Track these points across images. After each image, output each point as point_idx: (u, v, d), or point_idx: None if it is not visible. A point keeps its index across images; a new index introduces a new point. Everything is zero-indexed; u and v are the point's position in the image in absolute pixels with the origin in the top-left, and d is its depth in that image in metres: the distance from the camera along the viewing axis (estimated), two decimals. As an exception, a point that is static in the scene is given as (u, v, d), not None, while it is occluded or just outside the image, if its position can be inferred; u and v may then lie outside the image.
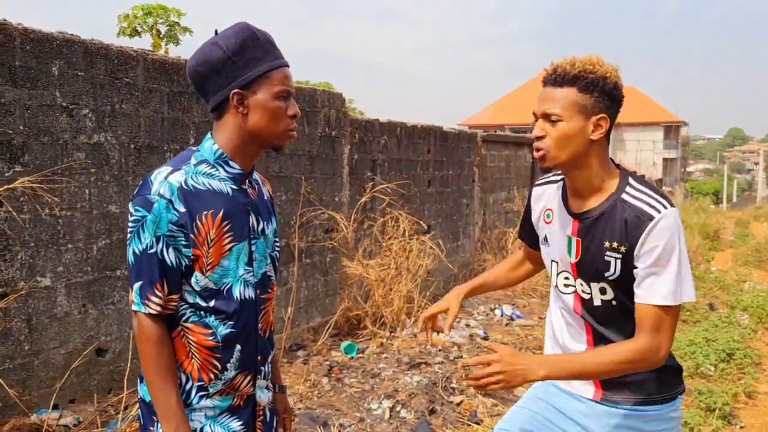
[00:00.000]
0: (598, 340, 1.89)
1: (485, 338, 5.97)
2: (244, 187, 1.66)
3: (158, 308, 1.55)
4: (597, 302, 1.84)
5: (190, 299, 1.60)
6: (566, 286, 1.91)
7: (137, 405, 1.70)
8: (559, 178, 1.97)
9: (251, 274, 1.67)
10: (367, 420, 4.07)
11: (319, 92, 5.97)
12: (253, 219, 1.67)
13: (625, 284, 1.77)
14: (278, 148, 1.67)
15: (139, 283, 1.55)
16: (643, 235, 1.68)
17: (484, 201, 9.56)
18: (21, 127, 3.39)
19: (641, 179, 1.81)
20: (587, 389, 1.94)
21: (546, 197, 1.99)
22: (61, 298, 3.64)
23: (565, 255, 1.87)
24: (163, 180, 1.54)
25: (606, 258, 1.76)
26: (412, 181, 7.42)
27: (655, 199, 1.72)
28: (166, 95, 4.22)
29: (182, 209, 1.53)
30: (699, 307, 7.37)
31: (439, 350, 5.48)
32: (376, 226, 6.37)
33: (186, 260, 1.56)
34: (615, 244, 1.74)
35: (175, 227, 1.53)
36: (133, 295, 1.56)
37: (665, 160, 46.35)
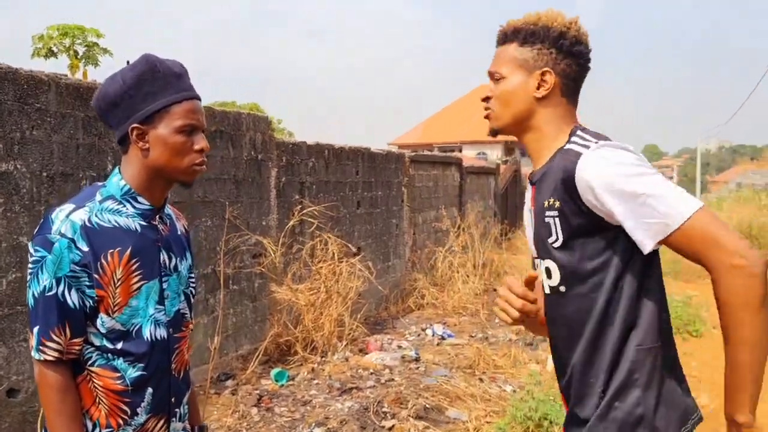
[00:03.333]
0: (554, 351, 1.60)
1: (416, 359, 5.98)
2: (154, 223, 1.61)
3: (56, 354, 1.47)
4: (546, 289, 1.57)
5: (96, 342, 1.52)
6: (540, 275, 1.61)
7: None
8: None
9: (162, 312, 1.60)
10: (298, 450, 3.98)
11: (243, 115, 5.89)
12: (164, 256, 1.62)
13: (569, 257, 1.47)
14: (185, 184, 1.61)
15: (37, 327, 1.47)
16: (578, 181, 1.40)
17: (414, 221, 9.63)
18: None
19: (593, 132, 1.52)
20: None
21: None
22: (-34, 337, 3.41)
23: (530, 233, 1.64)
24: (65, 218, 1.48)
25: (546, 220, 1.51)
26: (341, 202, 7.40)
27: (582, 143, 1.47)
28: (81, 120, 4.06)
29: (85, 248, 1.47)
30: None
31: (371, 373, 5.45)
32: (305, 250, 6.31)
33: (90, 301, 1.49)
34: (551, 200, 1.49)
35: (78, 267, 1.46)
36: (33, 341, 1.49)
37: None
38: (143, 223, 1.58)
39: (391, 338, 6.82)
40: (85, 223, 1.48)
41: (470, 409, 4.49)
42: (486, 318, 7.78)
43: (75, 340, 1.50)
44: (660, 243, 1.37)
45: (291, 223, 6.20)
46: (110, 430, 1.54)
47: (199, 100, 1.61)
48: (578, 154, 1.43)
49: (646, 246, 1.37)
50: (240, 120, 5.76)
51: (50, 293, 1.46)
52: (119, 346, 1.53)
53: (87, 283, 1.48)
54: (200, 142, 1.58)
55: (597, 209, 1.40)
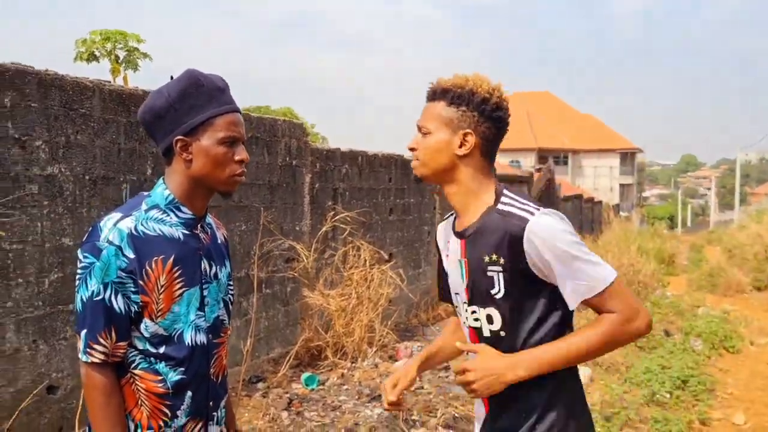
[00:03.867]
0: None
1: (446, 367, 5.97)
2: (196, 232, 1.67)
3: (102, 356, 1.54)
4: (486, 332, 1.74)
5: (140, 346, 1.59)
6: (466, 318, 1.80)
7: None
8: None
9: (203, 318, 1.66)
10: (327, 455, 4.01)
11: (279, 122, 5.97)
12: (205, 264, 1.67)
13: (513, 306, 1.67)
14: (225, 194, 1.67)
15: (84, 331, 1.54)
16: (525, 243, 1.60)
17: (446, 228, 9.61)
18: (-30, 160, 3.30)
19: (516, 190, 1.76)
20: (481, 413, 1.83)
21: (445, 231, 1.91)
22: (10, 334, 3.53)
23: (460, 282, 1.79)
24: (113, 227, 1.54)
25: (489, 273, 1.68)
26: (373, 209, 7.44)
27: (524, 208, 1.65)
28: (123, 126, 4.17)
29: (131, 255, 1.53)
30: (655, 333, 7.51)
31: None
32: (338, 256, 6.36)
33: (135, 306, 1.55)
34: (494, 257, 1.67)
35: (124, 273, 1.52)
36: (80, 344, 1.55)
37: (622, 185, 47.47)
38: (186, 231, 1.64)
39: (420, 345, 6.82)
40: (131, 231, 1.54)
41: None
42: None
43: (120, 344, 1.56)
44: (583, 302, 1.64)
45: (324, 228, 6.25)
46: (151, 431, 1.60)
47: (240, 113, 1.67)
48: (524, 219, 1.63)
49: (572, 303, 1.65)
50: (276, 126, 5.84)
51: (98, 298, 1.52)
52: (161, 350, 1.59)
53: (132, 289, 1.54)
54: (241, 153, 1.63)
55: (537, 268, 1.63)
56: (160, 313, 1.57)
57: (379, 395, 5.04)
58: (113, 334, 1.54)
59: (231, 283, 1.81)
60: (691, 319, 8.75)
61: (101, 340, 1.53)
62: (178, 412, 1.62)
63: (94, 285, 1.52)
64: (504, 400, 1.71)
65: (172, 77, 1.63)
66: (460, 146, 1.72)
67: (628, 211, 35.65)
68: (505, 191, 1.74)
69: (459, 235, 1.78)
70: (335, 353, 5.96)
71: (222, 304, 1.74)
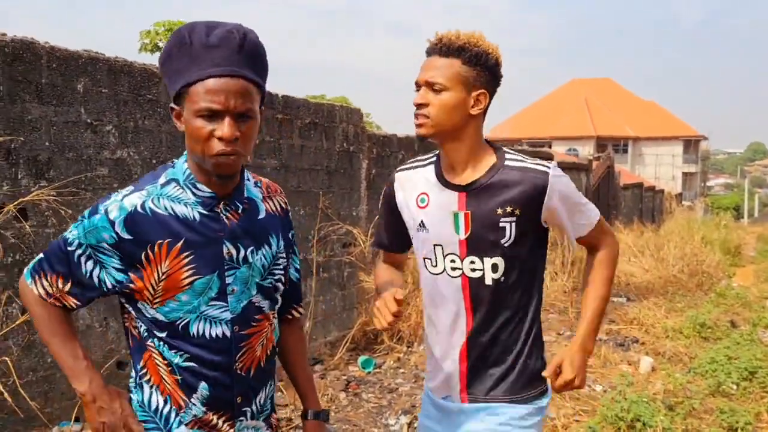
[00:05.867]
0: (476, 329, 1.82)
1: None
2: (217, 210, 1.45)
3: (43, 293, 1.46)
4: (488, 281, 1.78)
5: (142, 325, 1.47)
6: (453, 269, 1.81)
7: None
8: (427, 161, 1.89)
9: (224, 309, 1.46)
10: (385, 435, 4.06)
11: (337, 108, 6.02)
12: (229, 247, 1.45)
13: (517, 251, 1.78)
14: (217, 177, 1.41)
15: (42, 257, 1.48)
16: (548, 193, 1.75)
17: (502, 216, 9.53)
18: (47, 144, 3.46)
19: (512, 148, 1.89)
20: (455, 396, 1.88)
21: (416, 181, 1.88)
22: (83, 311, 3.69)
23: (451, 234, 1.79)
24: (119, 200, 1.42)
25: (501, 224, 1.75)
26: (429, 195, 7.43)
27: (536, 162, 1.80)
28: (188, 111, 4.28)
29: (126, 236, 1.39)
30: (720, 324, 7.27)
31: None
32: (371, 245, 6.38)
33: (113, 282, 1.43)
34: (509, 209, 1.75)
35: (107, 247, 1.40)
36: (33, 263, 1.49)
37: (685, 174, 45.96)
38: (204, 211, 1.43)
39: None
40: (135, 209, 1.40)
41: (558, 406, 4.42)
42: (574, 316, 7.62)
43: (69, 297, 1.46)
44: (580, 237, 1.88)
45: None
46: (177, 408, 1.48)
47: (237, 77, 1.34)
48: (544, 173, 1.75)
49: (574, 237, 1.88)
50: (333, 112, 5.90)
51: (69, 248, 1.43)
52: (164, 335, 1.45)
53: (115, 266, 1.42)
54: (222, 128, 1.34)
55: (547, 215, 1.78)
56: (157, 300, 1.42)
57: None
58: (64, 285, 1.44)
59: (280, 263, 1.57)
60: (759, 311, 8.43)
61: (49, 279, 1.45)
62: (193, 400, 1.47)
63: (74, 234, 1.43)
64: (484, 353, 1.84)
65: None
66: (473, 105, 1.74)
67: (691, 201, 34.51)
68: (504, 148, 1.85)
69: (456, 187, 1.79)
70: (391, 337, 6.00)
71: (257, 290, 1.51)
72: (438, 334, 1.89)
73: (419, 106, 1.74)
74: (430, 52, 1.77)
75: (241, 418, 1.53)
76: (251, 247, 1.49)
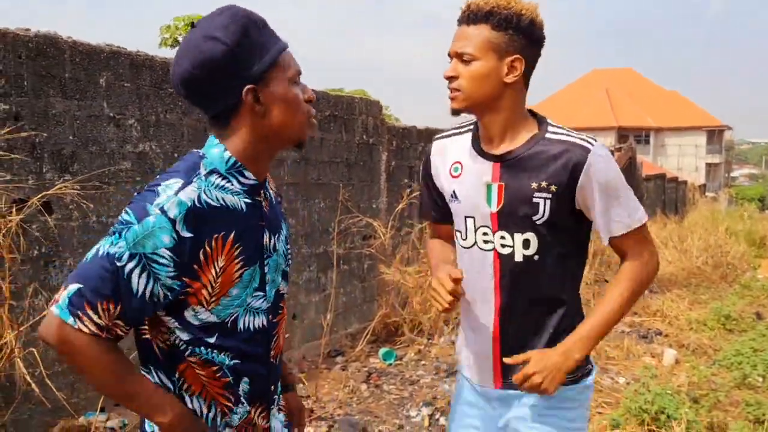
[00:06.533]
0: (505, 308, 1.74)
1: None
2: (258, 199, 1.42)
3: (95, 329, 1.23)
4: (518, 257, 1.69)
5: (185, 336, 1.35)
6: (485, 242, 1.73)
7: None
8: (464, 128, 1.81)
9: (263, 299, 1.44)
10: (406, 427, 4.07)
11: (356, 100, 6.02)
12: (266, 236, 1.44)
13: (551, 231, 1.67)
14: (301, 145, 1.43)
15: (79, 286, 1.22)
16: (585, 169, 1.61)
17: (522, 207, 9.47)
18: (70, 137, 3.49)
19: (558, 124, 1.74)
20: (489, 381, 1.81)
21: (452, 150, 1.81)
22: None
23: (483, 205, 1.71)
24: (173, 195, 1.27)
25: (534, 200, 1.65)
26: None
27: (581, 137, 1.66)
28: (209, 105, 4.30)
29: (186, 234, 1.26)
30: (745, 316, 7.17)
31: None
32: (414, 233, 6.38)
33: (166, 292, 1.28)
34: (544, 184, 1.64)
35: (166, 253, 1.25)
36: (63, 295, 1.23)
37: (708, 165, 45.31)
38: (248, 200, 1.39)
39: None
40: (194, 203, 1.28)
41: (580, 398, 4.40)
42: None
43: (120, 323, 1.26)
44: (612, 239, 1.69)
45: (400, 206, 6.28)
46: (223, 413, 1.43)
47: None
48: (586, 148, 1.62)
49: (606, 236, 1.69)
50: (353, 104, 5.89)
51: (117, 264, 1.23)
52: (212, 339, 1.36)
53: (169, 273, 1.27)
54: (308, 90, 1.41)
55: (581, 196, 1.64)
56: (213, 300, 1.34)
57: (456, 371, 5.05)
58: (116, 310, 1.24)
59: (289, 247, 1.58)
60: (786, 303, 8.31)
61: (97, 311, 1.23)
62: (242, 399, 1.44)
63: (121, 246, 1.23)
64: (517, 334, 1.75)
65: (193, 24, 1.35)
66: (508, 73, 1.63)
67: (715, 192, 34.02)
68: (549, 121, 1.73)
69: (491, 158, 1.70)
70: (412, 330, 6.00)
71: (281, 276, 1.52)
72: (470, 312, 1.83)
73: (450, 79, 1.66)
74: (459, 21, 1.67)
75: (272, 406, 1.53)
76: (277, 234, 1.49)
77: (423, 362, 5.36)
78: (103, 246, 1.25)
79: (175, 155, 4.07)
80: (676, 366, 5.40)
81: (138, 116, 3.84)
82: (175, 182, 1.29)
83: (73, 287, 1.23)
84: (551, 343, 1.73)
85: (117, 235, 1.25)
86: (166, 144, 4.02)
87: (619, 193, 1.66)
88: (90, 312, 1.22)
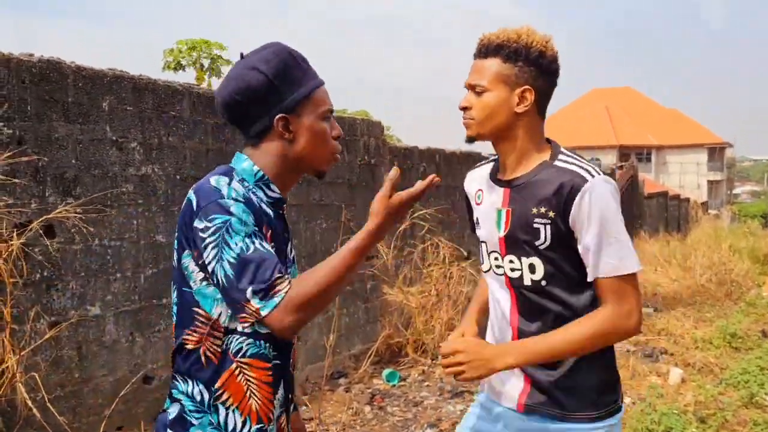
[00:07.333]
0: (522, 333, 1.75)
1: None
2: (282, 212, 1.55)
3: (286, 285, 1.35)
4: (527, 281, 1.73)
5: (248, 329, 1.42)
6: (497, 267, 1.79)
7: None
8: (490, 160, 1.91)
9: None
10: (411, 449, 4.03)
11: (358, 121, 6.04)
12: (289, 246, 1.57)
13: (555, 257, 1.68)
14: (321, 174, 1.56)
15: (251, 287, 1.32)
16: (578, 199, 1.61)
17: (525, 226, 9.46)
18: (73, 161, 3.51)
19: (573, 152, 1.76)
20: (512, 398, 1.80)
21: (477, 179, 1.91)
22: (110, 326, 3.72)
23: (494, 231, 1.77)
24: (228, 186, 1.40)
25: (535, 225, 1.68)
26: (451, 206, 7.41)
27: (586, 168, 1.66)
28: (211, 127, 4.33)
29: (251, 219, 1.39)
30: (751, 334, 7.13)
31: (482, 378, 5.41)
32: (416, 253, 6.37)
33: None
34: (543, 210, 1.67)
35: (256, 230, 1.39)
36: (254, 304, 1.33)
37: (710, 182, 45.33)
38: (274, 210, 1.51)
39: (501, 344, 6.74)
40: (244, 194, 1.41)
41: (586, 419, 4.36)
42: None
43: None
44: (598, 277, 1.64)
45: (402, 226, 6.28)
46: (261, 425, 1.46)
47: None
48: (585, 178, 1.62)
49: (592, 275, 1.65)
50: (355, 125, 5.92)
51: (250, 251, 1.34)
52: (264, 330, 1.41)
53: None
54: (337, 128, 1.54)
55: (574, 227, 1.64)
56: None
57: (461, 392, 5.01)
58: (282, 270, 1.35)
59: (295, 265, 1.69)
60: (791, 320, 8.25)
61: (278, 281, 1.33)
62: (277, 404, 1.50)
63: (239, 242, 1.34)
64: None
65: (242, 55, 1.52)
66: (518, 103, 1.70)
67: (718, 209, 33.98)
68: (563, 149, 1.76)
69: (503, 183, 1.77)
70: (415, 350, 5.97)
71: None
72: (493, 335, 1.86)
73: (463, 109, 1.75)
74: (475, 55, 1.76)
75: (289, 418, 1.59)
76: (292, 250, 1.61)
77: (427, 383, 5.32)
78: (228, 256, 1.34)
79: (177, 178, 4.08)
80: (683, 385, 5.36)
81: (140, 139, 3.86)
82: (223, 179, 1.42)
83: (249, 291, 1.33)
84: (576, 367, 1.71)
85: (225, 237, 1.34)
86: (168, 167, 4.03)
87: (613, 233, 1.62)
88: (277, 287, 1.33)
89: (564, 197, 1.63)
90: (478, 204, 1.87)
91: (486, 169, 1.89)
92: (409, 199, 1.41)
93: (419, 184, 1.43)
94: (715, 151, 45.81)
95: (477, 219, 1.87)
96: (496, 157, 1.87)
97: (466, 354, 1.65)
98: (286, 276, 1.36)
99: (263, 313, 1.32)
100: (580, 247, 1.65)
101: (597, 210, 1.61)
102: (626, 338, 1.69)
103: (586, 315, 1.67)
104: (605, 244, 1.62)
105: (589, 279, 1.66)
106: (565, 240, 1.67)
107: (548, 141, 1.80)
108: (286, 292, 1.33)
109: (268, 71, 1.44)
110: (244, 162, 1.50)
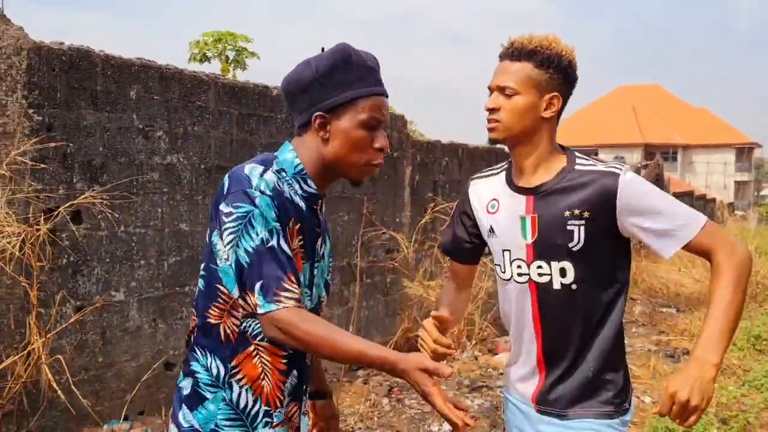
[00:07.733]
0: (546, 337, 1.77)
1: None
2: (315, 207, 1.57)
3: (293, 302, 1.37)
4: (556, 285, 1.73)
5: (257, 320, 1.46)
6: (520, 275, 1.79)
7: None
8: (498, 169, 1.91)
9: (309, 297, 1.56)
10: (428, 442, 4.03)
11: (381, 114, 6.04)
12: (319, 241, 1.59)
13: (588, 257, 1.70)
14: (356, 182, 1.57)
15: (260, 282, 1.37)
16: (619, 193, 1.66)
17: (547, 223, 9.40)
18: (100, 149, 3.56)
19: (587, 155, 1.81)
20: (527, 396, 1.84)
21: (488, 188, 1.90)
22: (133, 312, 3.78)
23: (518, 238, 1.77)
24: (260, 177, 1.44)
25: (568, 227, 1.70)
26: (473, 202, 7.39)
27: (609, 166, 1.72)
28: (236, 117, 4.36)
29: (276, 212, 1.42)
30: (776, 337, 7.01)
31: (501, 373, 5.39)
32: (437, 247, 6.36)
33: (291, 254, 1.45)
34: (577, 211, 1.69)
35: (278, 224, 1.42)
36: (256, 298, 1.37)
37: (737, 182, 44.63)
38: (307, 204, 1.54)
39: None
40: (276, 185, 1.45)
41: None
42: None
43: (301, 290, 1.42)
44: (684, 247, 1.67)
45: (424, 220, 6.27)
46: (269, 409, 1.52)
47: (387, 96, 1.57)
48: (615, 175, 1.68)
49: (669, 250, 1.69)
50: (378, 118, 5.92)
51: (269, 245, 1.38)
52: None
53: (285, 238, 1.44)
54: (381, 139, 1.53)
55: (624, 221, 1.68)
56: None
57: (480, 386, 5.01)
58: (295, 277, 1.39)
59: (331, 259, 1.72)
60: (818, 324, 8.10)
61: (287, 286, 1.37)
62: (286, 393, 1.54)
63: (260, 232, 1.38)
64: (560, 362, 1.77)
65: (323, 49, 1.55)
66: (546, 109, 1.73)
67: (744, 210, 33.44)
68: (578, 154, 1.80)
69: (524, 191, 1.78)
70: (434, 345, 5.96)
71: (324, 285, 1.65)
72: (515, 341, 1.88)
73: (491, 110, 1.75)
74: (502, 57, 1.77)
75: (303, 406, 1.63)
76: (325, 244, 1.63)
77: (445, 377, 5.32)
78: (246, 245, 1.39)
79: (202, 167, 4.12)
80: (704, 386, 5.29)
81: (166, 128, 3.90)
82: (257, 168, 1.46)
83: (257, 286, 1.37)
84: (598, 368, 1.75)
85: (247, 226, 1.38)
86: (193, 156, 4.07)
87: (668, 203, 1.69)
88: (283, 293, 1.36)
89: (603, 196, 1.67)
90: (491, 213, 1.86)
91: (498, 178, 1.89)
92: (430, 396, 1.32)
93: (448, 414, 1.32)
94: (744, 152, 45.06)
95: (492, 227, 1.86)
96: (504, 165, 1.90)
97: (685, 391, 1.53)
98: (295, 287, 1.38)
99: (260, 310, 1.37)
100: (644, 236, 1.68)
101: (643, 195, 1.68)
102: (750, 267, 1.66)
103: (712, 281, 1.66)
104: (672, 215, 1.67)
105: (675, 249, 1.68)
106: (599, 237, 1.70)
107: (560, 146, 1.82)
108: (286, 306, 1.36)
109: (318, 69, 1.49)
110: (288, 152, 1.54)
